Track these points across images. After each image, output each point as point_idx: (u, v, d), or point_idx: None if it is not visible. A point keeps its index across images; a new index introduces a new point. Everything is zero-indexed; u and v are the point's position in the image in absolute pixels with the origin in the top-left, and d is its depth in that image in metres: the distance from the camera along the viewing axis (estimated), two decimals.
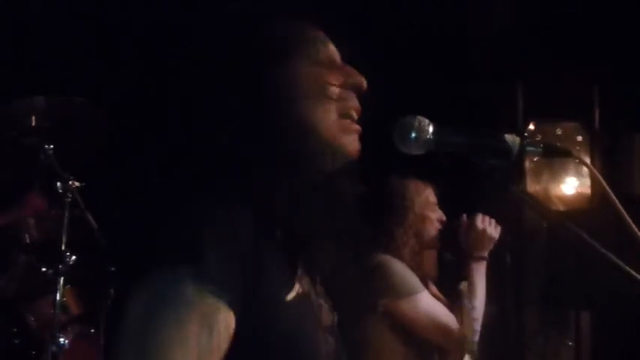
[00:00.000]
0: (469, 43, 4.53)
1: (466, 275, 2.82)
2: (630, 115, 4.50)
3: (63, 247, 3.10)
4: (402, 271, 2.81)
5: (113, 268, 3.18)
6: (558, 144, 1.49)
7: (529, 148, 1.41)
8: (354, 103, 1.34)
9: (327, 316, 1.36)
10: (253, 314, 1.16)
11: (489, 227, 2.87)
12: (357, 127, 1.34)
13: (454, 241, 2.90)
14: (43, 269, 3.13)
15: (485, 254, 2.89)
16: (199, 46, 1.33)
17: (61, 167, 3.20)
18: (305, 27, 1.35)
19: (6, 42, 3.87)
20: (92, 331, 3.31)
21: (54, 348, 3.03)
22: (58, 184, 3.16)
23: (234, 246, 1.16)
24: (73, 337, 3.16)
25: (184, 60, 1.34)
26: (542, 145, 1.43)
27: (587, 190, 4.58)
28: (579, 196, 4.62)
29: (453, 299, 2.84)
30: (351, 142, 1.33)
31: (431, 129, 1.38)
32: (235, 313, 1.15)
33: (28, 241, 3.38)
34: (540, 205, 1.66)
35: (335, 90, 1.31)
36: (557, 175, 4.68)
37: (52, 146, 3.22)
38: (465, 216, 2.92)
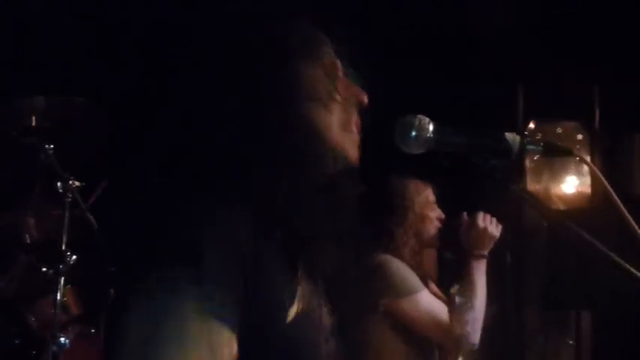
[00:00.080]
0: (469, 44, 4.52)
1: (466, 274, 2.81)
2: (630, 115, 4.50)
3: (63, 247, 3.10)
4: (402, 270, 2.81)
5: (113, 269, 3.18)
6: (559, 143, 1.49)
7: (529, 147, 1.41)
8: (355, 117, 1.34)
9: (328, 316, 1.36)
10: (253, 315, 1.16)
11: (490, 226, 2.87)
12: (357, 137, 1.34)
13: (455, 239, 2.90)
14: (44, 269, 3.14)
15: (486, 253, 2.89)
16: (200, 46, 1.33)
17: (61, 167, 3.20)
18: (312, 29, 1.35)
19: (6, 42, 3.87)
20: (92, 331, 3.31)
21: (54, 348, 3.03)
22: (59, 183, 3.17)
23: (234, 246, 1.16)
24: (74, 337, 3.17)
25: (184, 60, 1.34)
26: (542, 144, 1.43)
27: (588, 190, 4.58)
28: (580, 195, 4.62)
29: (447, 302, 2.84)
30: (352, 149, 1.33)
31: (431, 127, 1.38)
32: (237, 335, 1.14)
33: (28, 241, 3.38)
34: (541, 204, 1.66)
35: (338, 96, 1.31)
36: (557, 174, 4.67)
37: (52, 146, 3.22)
38: (465, 214, 2.92)
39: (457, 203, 3.01)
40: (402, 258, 2.84)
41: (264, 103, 1.26)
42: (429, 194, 2.95)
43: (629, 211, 1.39)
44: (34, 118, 3.23)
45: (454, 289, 2.77)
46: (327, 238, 1.29)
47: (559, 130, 4.66)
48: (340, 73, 1.35)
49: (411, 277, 2.81)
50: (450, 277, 2.94)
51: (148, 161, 1.32)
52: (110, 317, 3.16)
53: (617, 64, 4.33)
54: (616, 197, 1.41)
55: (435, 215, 2.93)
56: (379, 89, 1.38)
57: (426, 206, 2.93)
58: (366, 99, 1.35)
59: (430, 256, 2.96)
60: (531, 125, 4.65)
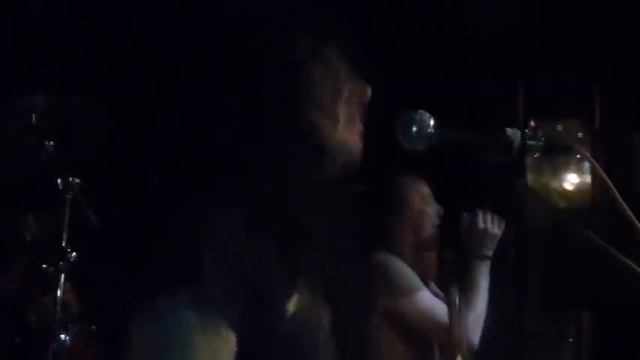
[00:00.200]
0: (469, 44, 4.52)
1: (467, 274, 2.81)
2: (630, 114, 4.50)
3: (64, 244, 3.11)
4: (402, 269, 2.81)
5: (113, 268, 3.18)
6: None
7: (530, 142, 1.41)
8: (358, 114, 1.34)
9: (328, 316, 1.36)
10: (253, 315, 1.16)
11: (491, 225, 2.85)
12: (361, 136, 1.34)
13: (456, 239, 2.89)
14: (44, 266, 3.14)
15: (489, 253, 2.86)
16: (200, 46, 1.33)
17: (62, 166, 3.20)
18: (312, 29, 1.35)
19: (6, 42, 3.87)
20: (93, 328, 3.31)
21: (55, 346, 3.03)
22: (59, 181, 3.17)
23: (233, 246, 1.16)
24: (75, 335, 3.17)
25: (184, 60, 1.34)
26: (543, 140, 1.43)
27: (589, 187, 4.57)
28: (581, 192, 4.61)
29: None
30: (356, 147, 1.33)
31: (432, 122, 1.38)
32: (237, 335, 1.14)
33: (28, 239, 3.38)
34: (542, 202, 1.66)
35: (341, 94, 1.31)
36: (558, 171, 4.66)
37: (52, 143, 3.22)
38: (465, 215, 2.91)
39: (458, 201, 3.00)
40: (401, 256, 2.83)
41: (264, 103, 1.26)
42: (423, 189, 2.92)
43: (629, 210, 1.39)
44: (34, 117, 3.23)
45: (454, 289, 2.77)
46: (327, 238, 1.29)
47: (559, 128, 4.66)
48: (343, 72, 1.35)
49: (411, 276, 2.81)
50: (450, 277, 2.93)
51: (148, 161, 1.32)
52: (111, 317, 3.17)
53: (617, 63, 4.34)
54: (617, 194, 1.41)
55: (432, 210, 2.91)
56: (379, 89, 1.38)
57: (423, 202, 2.90)
58: (369, 91, 1.35)
59: (430, 256, 2.95)
60: (532, 123, 4.64)
